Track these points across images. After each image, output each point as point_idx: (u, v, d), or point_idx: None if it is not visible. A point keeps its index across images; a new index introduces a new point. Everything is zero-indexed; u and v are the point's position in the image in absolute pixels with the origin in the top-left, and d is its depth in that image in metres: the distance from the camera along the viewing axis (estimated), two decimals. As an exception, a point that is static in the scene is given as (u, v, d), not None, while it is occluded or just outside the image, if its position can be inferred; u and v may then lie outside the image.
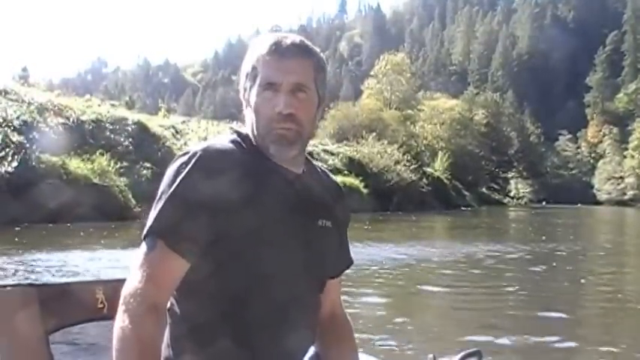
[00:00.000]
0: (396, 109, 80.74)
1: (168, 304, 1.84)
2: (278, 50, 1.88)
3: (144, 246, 1.79)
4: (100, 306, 2.08)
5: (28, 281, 2.13)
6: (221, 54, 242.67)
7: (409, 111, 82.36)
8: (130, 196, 30.03)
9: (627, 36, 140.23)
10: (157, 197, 1.84)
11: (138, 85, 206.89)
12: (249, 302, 1.84)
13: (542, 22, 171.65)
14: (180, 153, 1.89)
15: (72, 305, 2.07)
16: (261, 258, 1.84)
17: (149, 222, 1.81)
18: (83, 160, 28.21)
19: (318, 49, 2.00)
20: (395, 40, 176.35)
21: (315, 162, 2.15)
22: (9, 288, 1.97)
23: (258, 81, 1.89)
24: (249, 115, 1.95)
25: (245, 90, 1.95)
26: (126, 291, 1.73)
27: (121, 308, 1.71)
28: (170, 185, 1.81)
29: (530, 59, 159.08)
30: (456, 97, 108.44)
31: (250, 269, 1.83)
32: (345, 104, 78.04)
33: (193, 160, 1.82)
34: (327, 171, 2.23)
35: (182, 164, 1.83)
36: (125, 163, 31.23)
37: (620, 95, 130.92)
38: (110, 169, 29.63)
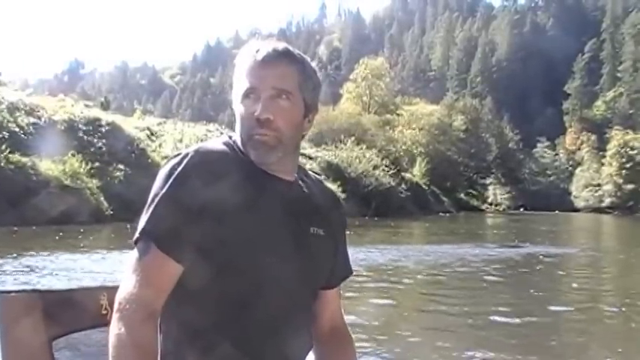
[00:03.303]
0: (375, 113, 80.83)
1: (163, 310, 1.76)
2: (260, 56, 1.87)
3: (136, 250, 1.76)
4: (104, 312, 2.03)
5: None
6: (199, 57, 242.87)
7: (388, 116, 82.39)
8: (103, 198, 29.55)
9: (606, 44, 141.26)
10: (149, 199, 1.79)
11: (115, 87, 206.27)
12: (246, 309, 1.80)
13: (521, 29, 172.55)
14: (172, 155, 1.86)
15: (76, 311, 2.03)
16: (256, 264, 1.81)
17: (141, 225, 1.77)
18: (54, 161, 27.60)
19: (306, 57, 1.98)
20: (374, 45, 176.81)
21: (309, 171, 2.13)
22: (13, 294, 1.96)
23: (241, 89, 1.89)
24: (237, 122, 1.93)
25: (234, 99, 1.95)
26: (120, 296, 1.71)
27: (115, 315, 1.69)
28: (162, 187, 1.78)
29: (509, 66, 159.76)
30: (435, 102, 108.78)
31: (246, 275, 1.80)
32: (323, 108, 77.84)
33: (185, 161, 1.78)
34: (321, 179, 2.18)
35: (175, 165, 1.79)
36: (98, 165, 30.76)
37: (598, 103, 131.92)
38: (82, 170, 29.09)
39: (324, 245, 1.99)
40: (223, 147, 1.89)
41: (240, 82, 1.91)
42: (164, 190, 1.77)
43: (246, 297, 1.81)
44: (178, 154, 1.83)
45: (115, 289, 1.91)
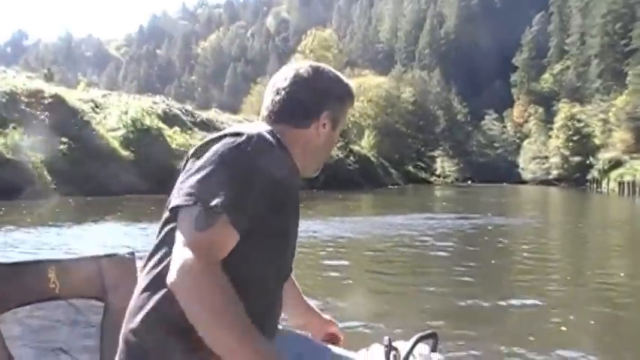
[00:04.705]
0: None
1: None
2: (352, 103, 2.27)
3: (202, 219, 1.74)
4: (52, 286, 1.98)
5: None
6: (146, 28, 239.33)
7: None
8: (46, 172, 28.95)
9: (553, 17, 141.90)
10: (207, 171, 1.79)
11: (59, 59, 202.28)
12: (265, 288, 1.93)
13: (469, 1, 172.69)
14: (231, 132, 1.88)
15: (22, 286, 1.99)
16: (286, 250, 2.00)
17: (204, 195, 1.75)
18: (-6, 134, 26.94)
19: None
20: (322, 17, 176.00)
21: None
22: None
23: (339, 121, 2.16)
24: (309, 134, 2.09)
25: (321, 115, 2.10)
26: (194, 270, 1.69)
27: (194, 291, 1.69)
28: (228, 162, 1.80)
29: (458, 38, 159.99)
30: (383, 74, 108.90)
31: (277, 259, 1.96)
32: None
33: (253, 142, 1.84)
34: None
35: (241, 143, 1.83)
36: (41, 138, 30.10)
37: (546, 76, 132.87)
38: (24, 143, 28.44)
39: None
40: (273, 138, 1.94)
41: (343, 117, 2.19)
42: (232, 165, 1.80)
43: (269, 279, 1.94)
44: (241, 133, 1.85)
45: (62, 262, 1.97)
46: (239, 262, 1.80)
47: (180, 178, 1.87)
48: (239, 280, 1.77)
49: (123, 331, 1.84)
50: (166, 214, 1.90)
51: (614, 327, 8.39)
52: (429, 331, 2.29)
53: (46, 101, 33.62)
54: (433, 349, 2.32)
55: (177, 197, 1.80)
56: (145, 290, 1.84)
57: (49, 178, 28.72)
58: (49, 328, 1.95)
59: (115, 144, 35.67)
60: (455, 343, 6.86)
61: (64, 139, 31.42)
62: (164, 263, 1.81)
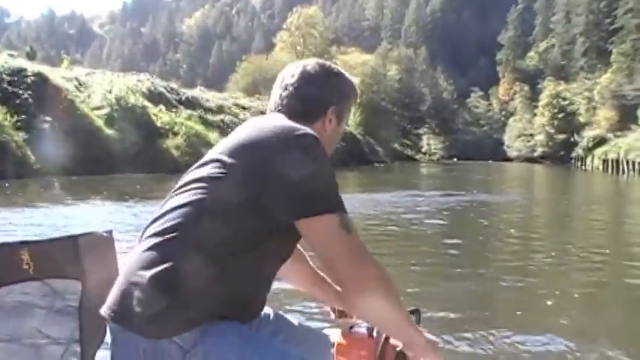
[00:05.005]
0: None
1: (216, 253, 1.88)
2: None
3: (346, 223, 1.91)
4: (26, 267, 1.97)
5: None
6: (129, 5, 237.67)
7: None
8: (29, 152, 28.79)
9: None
10: (323, 176, 1.94)
11: (42, 37, 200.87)
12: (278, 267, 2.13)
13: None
14: (302, 132, 1.98)
15: None
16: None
17: (332, 199, 1.93)
18: (-23, 113, 26.77)
19: None
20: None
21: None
22: None
23: (343, 117, 2.31)
24: (317, 129, 2.16)
25: (328, 110, 2.24)
26: (378, 272, 1.91)
27: (381, 289, 1.90)
28: (322, 164, 1.96)
29: (444, 16, 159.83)
30: (369, 52, 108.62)
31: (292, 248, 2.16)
32: (257, 57, 77.26)
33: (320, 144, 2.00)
34: None
35: (318, 144, 1.98)
36: (24, 117, 29.92)
37: (531, 54, 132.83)
38: (7, 123, 28.26)
39: None
40: None
41: (348, 112, 2.35)
42: (328, 168, 1.98)
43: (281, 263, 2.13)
44: (309, 133, 1.98)
45: (36, 243, 1.96)
46: (284, 244, 2.05)
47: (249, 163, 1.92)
48: (273, 257, 2.05)
49: (125, 280, 1.88)
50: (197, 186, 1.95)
51: (599, 302, 8.45)
52: (411, 307, 2.37)
53: (29, 80, 33.37)
54: (417, 323, 2.34)
55: (311, 205, 1.89)
56: (163, 246, 1.89)
57: (32, 157, 28.56)
58: (25, 309, 1.93)
59: (100, 122, 35.46)
60: (439, 319, 6.88)
61: (48, 118, 31.21)
62: (186, 225, 1.90)
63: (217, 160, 1.94)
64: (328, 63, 2.34)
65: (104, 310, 1.89)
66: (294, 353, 1.99)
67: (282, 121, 2.03)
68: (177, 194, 1.98)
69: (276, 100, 2.23)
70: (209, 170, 1.94)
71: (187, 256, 1.84)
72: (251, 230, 1.90)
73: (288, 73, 2.25)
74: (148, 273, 1.84)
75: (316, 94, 2.22)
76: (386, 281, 1.92)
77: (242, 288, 1.94)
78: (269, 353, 1.91)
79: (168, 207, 1.96)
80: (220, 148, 2.00)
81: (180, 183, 2.00)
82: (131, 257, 1.93)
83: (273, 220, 1.91)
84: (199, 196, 1.91)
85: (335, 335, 2.45)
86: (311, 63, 2.29)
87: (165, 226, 1.91)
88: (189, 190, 1.94)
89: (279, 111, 2.20)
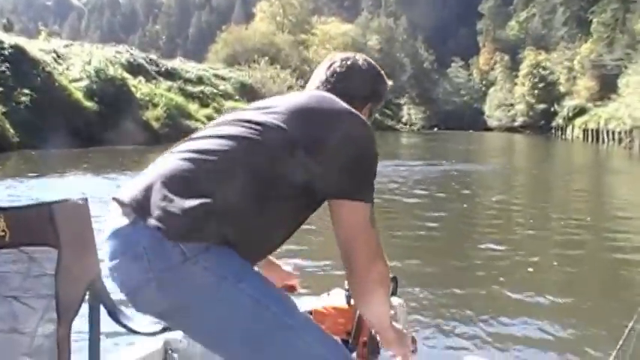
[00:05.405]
0: (289, 33, 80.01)
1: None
2: None
3: (372, 216, 2.03)
4: (1, 234, 1.88)
5: None
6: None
7: (302, 35, 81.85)
8: (8, 124, 28.56)
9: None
10: (371, 161, 2.08)
11: (20, 9, 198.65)
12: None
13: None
14: (365, 120, 2.14)
15: None
16: None
17: (371, 190, 2.07)
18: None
19: None
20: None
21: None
22: None
23: (371, 115, 2.39)
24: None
25: (365, 106, 2.34)
26: (376, 244, 2.03)
27: (377, 261, 2.02)
28: (375, 155, 2.11)
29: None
30: (349, 22, 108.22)
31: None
32: (236, 28, 76.75)
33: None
34: None
35: (371, 132, 2.13)
36: (1, 90, 29.68)
37: (512, 23, 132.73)
38: (-16, 95, 28.00)
39: None
40: None
41: (375, 112, 2.44)
42: (377, 161, 2.13)
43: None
44: (368, 123, 2.15)
45: (11, 210, 1.91)
46: (303, 210, 2.10)
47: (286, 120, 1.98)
48: (291, 216, 2.10)
49: (155, 179, 1.92)
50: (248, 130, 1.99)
51: (577, 268, 8.57)
52: (390, 275, 2.34)
53: (6, 52, 33.05)
54: (393, 293, 2.45)
55: (356, 190, 2.00)
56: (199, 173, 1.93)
57: (11, 130, 28.35)
58: (1, 276, 1.89)
59: (79, 95, 35.21)
60: (420, 287, 6.91)
61: (27, 91, 30.95)
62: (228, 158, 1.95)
63: (277, 113, 2.00)
64: (374, 62, 2.42)
65: (120, 195, 1.95)
66: (277, 294, 2.02)
67: (345, 104, 2.10)
68: (228, 125, 2.04)
69: (322, 81, 2.31)
70: (266, 118, 1.99)
71: (225, 179, 1.90)
72: (288, 184, 1.96)
73: (339, 62, 2.34)
74: (183, 180, 1.90)
75: (362, 87, 2.32)
76: (388, 279, 2.08)
77: (257, 230, 1.98)
78: (259, 285, 1.93)
79: (218, 132, 2.02)
80: (280, 103, 2.07)
81: (231, 117, 2.09)
82: (164, 161, 1.99)
83: (311, 186, 1.98)
84: (254, 137, 1.96)
85: (312, 302, 2.45)
86: (361, 58, 2.38)
87: (211, 147, 1.97)
88: (244, 127, 1.99)
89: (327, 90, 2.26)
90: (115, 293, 2.02)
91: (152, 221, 1.84)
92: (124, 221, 1.90)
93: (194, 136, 2.09)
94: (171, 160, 1.98)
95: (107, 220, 1.96)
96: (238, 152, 1.95)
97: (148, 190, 1.90)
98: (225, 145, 1.96)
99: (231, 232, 1.88)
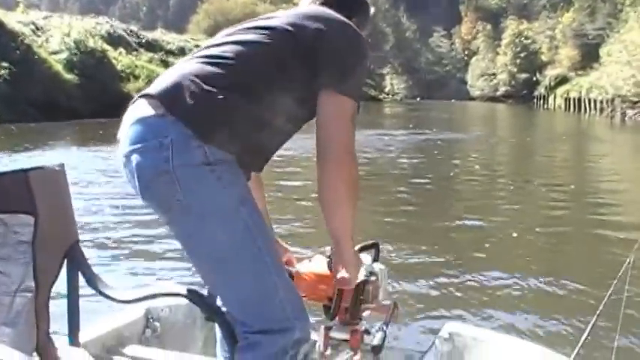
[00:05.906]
0: (270, 3, 79.53)
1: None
2: None
3: (355, 114, 2.09)
4: None
5: None
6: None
7: (284, 5, 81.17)
8: (-14, 97, 28.31)
9: None
10: (359, 66, 2.12)
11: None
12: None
13: None
14: (347, 23, 2.17)
15: None
16: None
17: (360, 92, 2.15)
18: None
19: None
20: None
21: None
22: None
23: (362, 20, 2.41)
24: None
25: (355, 20, 2.29)
26: (351, 140, 2.06)
27: (349, 156, 2.04)
28: (366, 57, 2.18)
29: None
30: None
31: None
32: (218, -1, 76.17)
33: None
34: None
35: (362, 38, 2.18)
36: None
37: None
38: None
39: None
40: None
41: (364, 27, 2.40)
42: (367, 70, 2.23)
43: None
44: (353, 29, 2.16)
45: None
46: (304, 113, 2.15)
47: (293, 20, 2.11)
48: (293, 118, 2.16)
49: (181, 78, 1.97)
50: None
51: (561, 230, 8.72)
52: (370, 242, 2.44)
53: (-17, 25, 32.71)
54: (375, 259, 2.44)
55: (342, 82, 2.04)
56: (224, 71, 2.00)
57: (-10, 103, 28.10)
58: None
59: (59, 67, 34.91)
60: (402, 254, 6.93)
61: (5, 64, 30.62)
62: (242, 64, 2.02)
63: (281, 18, 2.13)
64: None
65: (150, 90, 2.00)
66: (268, 233, 2.10)
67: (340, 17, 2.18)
68: (242, 32, 2.13)
69: None
70: (277, 23, 2.10)
71: (241, 80, 2.00)
72: (295, 80, 2.06)
73: None
74: (210, 79, 1.96)
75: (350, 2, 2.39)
76: (357, 186, 2.06)
77: (265, 131, 2.07)
78: (256, 216, 2.00)
79: (234, 39, 2.10)
80: (282, 14, 2.19)
81: (245, 25, 2.17)
82: (188, 64, 2.06)
83: (312, 80, 2.05)
84: (266, 40, 2.05)
85: (295, 267, 2.45)
86: None
87: (228, 52, 2.04)
88: (257, 33, 2.09)
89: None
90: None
91: (182, 117, 1.89)
92: (152, 111, 1.94)
93: (209, 44, 2.16)
94: (193, 63, 2.05)
95: (129, 111, 2.00)
96: (250, 59, 2.03)
97: (176, 88, 1.94)
98: (240, 50, 2.03)
99: (244, 135, 1.98)
